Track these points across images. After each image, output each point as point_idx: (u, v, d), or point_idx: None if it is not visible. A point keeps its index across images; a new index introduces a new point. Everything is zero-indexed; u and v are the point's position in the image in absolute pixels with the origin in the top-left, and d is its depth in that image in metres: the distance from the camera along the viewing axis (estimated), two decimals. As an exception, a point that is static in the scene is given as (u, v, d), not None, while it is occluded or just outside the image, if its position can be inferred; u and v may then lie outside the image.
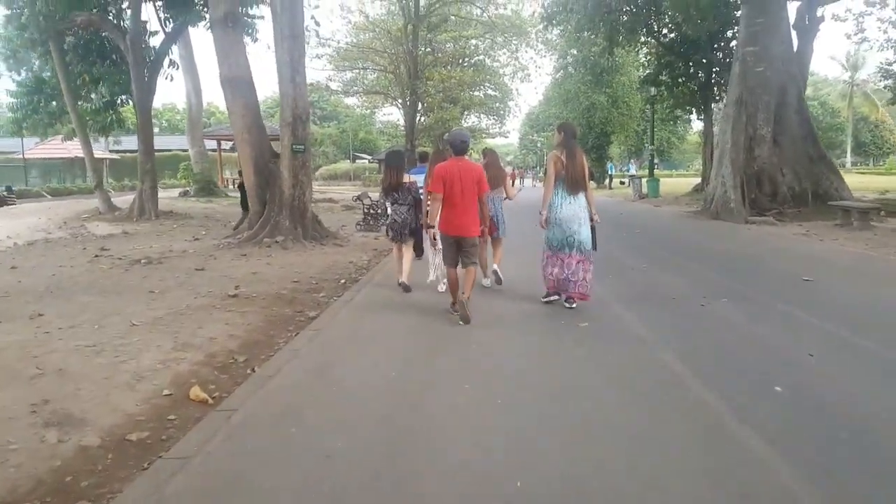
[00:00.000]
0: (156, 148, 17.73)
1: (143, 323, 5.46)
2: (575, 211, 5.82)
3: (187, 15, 16.29)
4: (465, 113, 37.58)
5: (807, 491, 2.61)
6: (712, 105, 25.90)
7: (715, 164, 16.78)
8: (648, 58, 29.23)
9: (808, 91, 17.69)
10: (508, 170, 8.71)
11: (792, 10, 16.67)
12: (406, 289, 6.86)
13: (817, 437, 3.13)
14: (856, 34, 22.90)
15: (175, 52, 19.37)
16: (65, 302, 6.36)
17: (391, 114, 49.33)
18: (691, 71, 24.95)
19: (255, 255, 9.63)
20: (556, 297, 6.11)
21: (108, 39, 16.74)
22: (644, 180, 26.40)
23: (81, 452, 3.08)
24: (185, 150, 27.95)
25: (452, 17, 30.99)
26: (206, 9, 14.75)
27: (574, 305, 5.89)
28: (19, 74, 18.42)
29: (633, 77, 36.32)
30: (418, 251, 7.47)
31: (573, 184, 5.81)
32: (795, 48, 16.47)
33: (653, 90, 27.28)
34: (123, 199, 18.80)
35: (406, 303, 6.42)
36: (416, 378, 4.10)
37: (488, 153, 7.60)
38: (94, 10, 15.70)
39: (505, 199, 7.36)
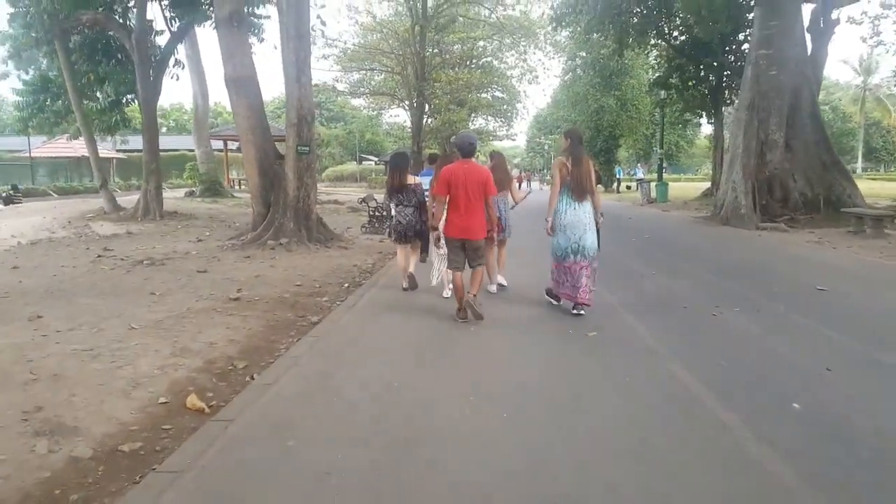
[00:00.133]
0: (163, 148, 17.71)
1: (142, 326, 5.36)
2: (580, 217, 5.78)
3: (193, 14, 16.24)
4: (473, 115, 37.42)
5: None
6: (723, 109, 25.66)
7: (725, 169, 16.55)
8: (658, 60, 28.97)
9: (820, 95, 17.41)
10: (515, 173, 8.62)
11: (806, 12, 16.41)
12: (412, 285, 6.91)
13: (839, 458, 2.99)
14: (871, 37, 22.62)
15: (181, 52, 19.34)
16: (65, 303, 6.27)
17: (398, 115, 49.42)
18: (702, 74, 24.68)
19: (259, 257, 9.54)
20: (558, 302, 6.09)
21: (114, 38, 16.68)
22: (653, 184, 26.19)
23: (72, 464, 2.97)
24: (192, 151, 27.92)
25: (460, 18, 30.80)
26: (211, 8, 14.66)
27: (582, 312, 5.77)
28: (27, 73, 18.43)
29: (643, 80, 35.99)
30: (423, 254, 7.38)
31: (579, 190, 5.78)
32: (809, 51, 16.22)
33: (662, 93, 27.03)
34: (130, 199, 18.74)
35: (410, 307, 6.30)
36: (420, 389, 3.97)
37: (495, 156, 7.49)
38: (100, 9, 15.63)
39: (513, 206, 7.27)
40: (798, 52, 15.44)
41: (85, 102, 17.28)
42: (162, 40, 17.42)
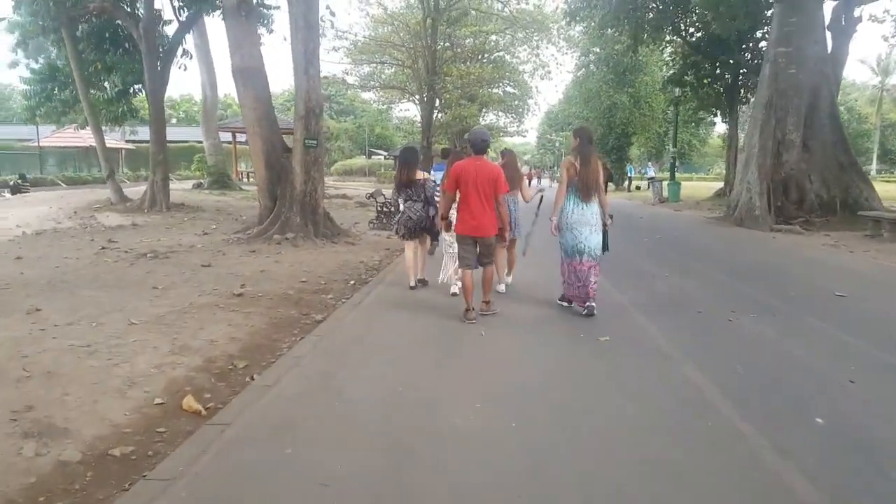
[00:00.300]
0: (172, 139, 17.60)
1: (142, 322, 5.23)
2: (586, 217, 5.74)
3: (201, 3, 16.05)
4: (484, 110, 37.19)
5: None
6: (738, 108, 25.27)
7: (740, 169, 16.24)
8: (673, 57, 28.56)
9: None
10: (525, 170, 8.48)
11: (827, 9, 16.05)
12: (422, 282, 6.91)
13: (860, 469, 2.84)
14: (893, 36, 22.18)
15: (190, 42, 19.22)
16: (66, 296, 6.16)
17: (408, 110, 48.98)
18: (717, 72, 24.28)
19: (265, 251, 9.40)
20: (569, 304, 6.00)
21: (122, 27, 16.54)
22: (665, 183, 25.88)
23: (59, 468, 2.84)
24: (201, 142, 27.82)
25: (473, 12, 30.49)
26: (220, -3, 14.52)
27: (594, 313, 5.63)
28: (37, 62, 18.35)
29: (657, 77, 35.58)
30: (433, 244, 7.32)
31: (585, 190, 5.72)
32: (829, 49, 15.87)
33: (677, 91, 26.65)
34: (138, 190, 18.67)
35: (417, 306, 6.15)
36: (425, 391, 3.81)
37: (506, 153, 7.33)
38: (107, -3, 15.51)
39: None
40: (818, 50, 15.09)
41: (92, 92, 17.17)
42: (170, 30, 17.29)
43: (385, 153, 49.87)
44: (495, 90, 35.96)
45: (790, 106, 14.78)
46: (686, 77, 25.30)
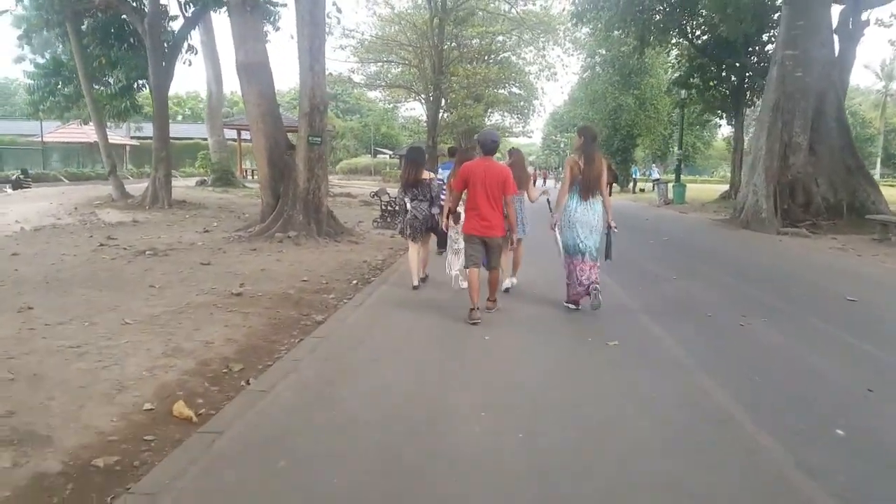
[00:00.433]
0: (177, 136, 17.46)
1: (136, 322, 5.08)
2: (588, 217, 5.70)
3: (207, -1, 15.93)
4: (489, 111, 37.04)
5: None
6: (744, 110, 25.05)
7: (747, 172, 16.06)
8: (679, 59, 28.37)
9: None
10: (530, 170, 8.35)
11: (835, 13, 15.84)
12: (423, 280, 6.82)
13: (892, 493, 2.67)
14: (900, 40, 21.90)
15: (196, 38, 19.10)
16: (59, 294, 6.01)
17: (414, 109, 48.80)
18: (724, 74, 24.12)
19: (266, 250, 9.25)
20: (577, 307, 5.89)
21: (127, 22, 16.40)
22: (670, 185, 25.67)
23: (37, 481, 2.67)
24: (206, 139, 27.69)
25: (480, 12, 30.36)
26: (226, -8, 14.36)
27: (600, 304, 5.60)
28: (43, 57, 18.23)
29: (662, 79, 35.40)
30: (440, 248, 7.16)
31: (588, 189, 5.68)
32: (837, 53, 15.68)
33: (683, 93, 26.47)
34: (141, 186, 18.49)
35: (420, 306, 6.00)
36: (428, 400, 3.64)
37: (514, 152, 7.20)
38: (113, -9, 15.39)
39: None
40: (825, 53, 14.92)
41: (96, 87, 17.05)
42: (176, 25, 17.16)
43: (391, 152, 49.74)
44: (501, 91, 35.84)
45: (797, 109, 14.63)
46: (692, 79, 25.20)
